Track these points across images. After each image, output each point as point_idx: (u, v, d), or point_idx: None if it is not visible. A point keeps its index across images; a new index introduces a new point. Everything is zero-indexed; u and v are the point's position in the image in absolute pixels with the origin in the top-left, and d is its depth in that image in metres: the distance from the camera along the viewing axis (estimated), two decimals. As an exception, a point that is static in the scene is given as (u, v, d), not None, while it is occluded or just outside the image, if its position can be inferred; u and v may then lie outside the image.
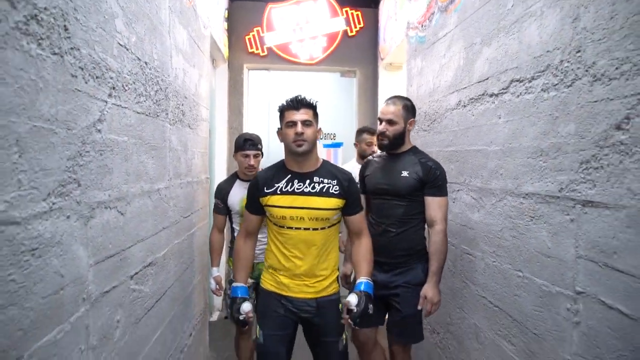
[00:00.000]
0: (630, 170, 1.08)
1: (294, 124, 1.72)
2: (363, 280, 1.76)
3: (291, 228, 1.78)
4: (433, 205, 1.96)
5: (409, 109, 2.05)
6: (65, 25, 0.99)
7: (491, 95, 1.81)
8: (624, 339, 1.10)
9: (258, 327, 1.84)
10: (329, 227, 1.81)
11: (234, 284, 1.87)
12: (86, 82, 1.10)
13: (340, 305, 1.83)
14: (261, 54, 4.13)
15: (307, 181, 1.77)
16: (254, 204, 1.85)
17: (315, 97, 1.84)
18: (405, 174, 1.98)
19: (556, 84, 1.38)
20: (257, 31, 4.12)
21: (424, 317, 2.00)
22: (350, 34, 4.18)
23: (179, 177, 2.09)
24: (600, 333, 1.18)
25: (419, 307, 1.93)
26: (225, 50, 3.86)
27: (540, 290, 1.46)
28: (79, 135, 1.07)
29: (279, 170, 1.83)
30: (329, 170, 1.83)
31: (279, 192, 1.77)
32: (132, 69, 1.42)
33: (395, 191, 1.99)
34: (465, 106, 2.08)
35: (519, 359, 1.59)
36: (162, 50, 1.75)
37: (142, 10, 1.51)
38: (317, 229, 1.77)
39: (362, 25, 4.18)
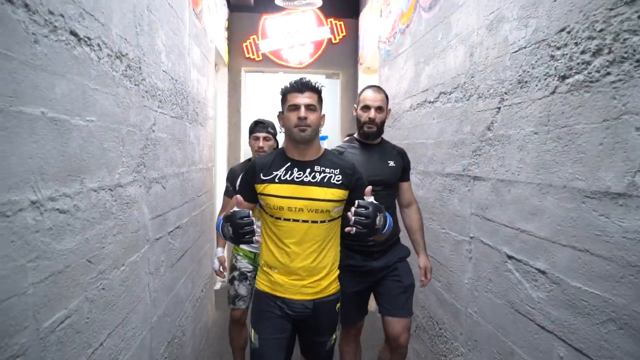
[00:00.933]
0: (493, 156, 1.72)
1: (296, 107, 1.58)
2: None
3: (288, 220, 1.60)
4: (408, 188, 2.13)
5: (388, 97, 2.10)
6: (140, 67, 1.60)
7: (429, 102, 2.45)
8: (489, 262, 1.75)
9: (253, 330, 1.69)
10: (329, 220, 1.63)
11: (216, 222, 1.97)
12: (148, 100, 1.71)
13: (338, 305, 1.73)
14: (257, 59, 4.73)
15: (308, 170, 1.61)
16: (248, 191, 1.65)
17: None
18: (392, 163, 2.03)
19: (461, 98, 2.01)
20: (253, 39, 4.72)
21: (421, 286, 2.12)
22: (334, 41, 4.79)
23: (194, 164, 2.70)
24: (481, 261, 1.83)
25: (422, 278, 2.06)
26: (225, 55, 4.45)
27: (454, 240, 2.12)
28: (145, 135, 1.69)
29: (278, 157, 1.67)
30: (330, 159, 1.67)
31: (277, 180, 1.61)
32: (169, 86, 2.03)
33: (386, 182, 2.00)
34: (414, 109, 2.71)
35: (443, 290, 2.25)
36: (184, 69, 2.36)
37: (174, 43, 2.12)
38: (316, 222, 1.60)
39: (344, 33, 4.79)
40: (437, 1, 2.35)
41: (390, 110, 2.11)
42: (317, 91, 1.64)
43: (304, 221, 1.59)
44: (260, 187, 1.62)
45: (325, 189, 1.60)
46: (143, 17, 1.64)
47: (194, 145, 2.66)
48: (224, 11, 4.31)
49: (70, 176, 1.08)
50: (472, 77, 1.91)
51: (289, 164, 1.63)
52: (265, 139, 2.45)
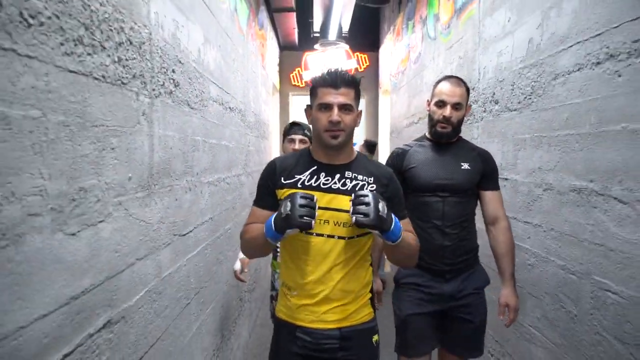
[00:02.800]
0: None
1: (328, 107, 1.29)
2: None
3: (310, 234, 1.32)
4: (494, 199, 1.74)
5: (469, 92, 1.77)
6: (244, 113, 3.06)
7: (414, 123, 3.79)
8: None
9: None
10: (358, 236, 1.34)
11: (264, 226, 1.29)
12: (247, 130, 3.16)
13: (376, 337, 1.43)
14: (300, 85, 6.18)
15: (337, 176, 1.35)
16: (267, 196, 1.40)
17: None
18: (466, 166, 1.70)
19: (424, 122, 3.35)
20: (298, 71, 6.18)
21: (505, 326, 1.76)
22: (360, 70, 6.17)
23: (254, 166, 4.16)
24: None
25: (500, 317, 1.73)
26: (277, 83, 5.92)
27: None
28: (246, 149, 3.14)
29: (302, 158, 1.41)
30: (364, 165, 1.41)
31: (299, 185, 1.34)
32: (254, 119, 3.48)
33: (456, 187, 1.69)
34: (408, 127, 4.05)
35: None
36: (259, 105, 3.82)
37: (255, 93, 3.58)
38: (343, 238, 1.32)
39: (368, 64, 6.16)
40: (418, 59, 3.70)
41: (470, 106, 1.77)
42: (354, 85, 1.32)
43: (328, 236, 1.31)
44: (280, 193, 1.35)
45: None
46: (246, 87, 3.10)
47: (264, 153, 4.12)
48: (277, 50, 5.79)
49: (228, 169, 2.53)
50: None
51: (315, 167, 1.36)
52: (301, 141, 2.24)
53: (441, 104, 1.71)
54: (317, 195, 1.28)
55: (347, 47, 5.50)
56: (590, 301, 1.46)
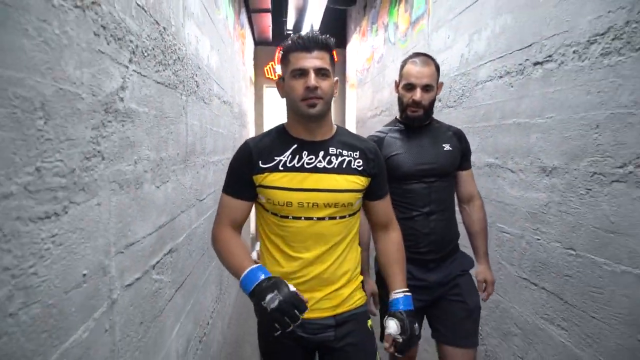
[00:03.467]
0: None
1: (303, 73, 1.16)
2: (399, 295, 1.31)
3: (298, 218, 1.22)
4: (469, 178, 1.74)
5: (439, 69, 1.67)
6: (232, 104, 3.54)
7: (378, 115, 4.37)
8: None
9: None
10: (349, 215, 1.27)
11: (244, 274, 1.11)
12: (235, 119, 3.64)
13: (370, 322, 1.36)
14: (273, 78, 6.64)
15: (321, 153, 1.23)
16: (241, 184, 1.26)
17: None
18: (447, 147, 1.65)
19: (387, 115, 3.92)
20: (271, 64, 6.63)
21: (483, 300, 1.73)
22: (328, 64, 6.69)
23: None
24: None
25: (482, 294, 1.70)
26: (253, 76, 6.36)
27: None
28: (234, 136, 3.61)
29: (279, 137, 1.27)
30: (347, 139, 1.30)
31: (281, 167, 1.21)
32: (238, 110, 3.95)
33: (441, 170, 1.63)
34: (372, 118, 4.64)
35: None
36: (240, 97, 4.28)
37: (239, 86, 4.04)
38: (334, 218, 1.24)
39: (336, 59, 6.65)
40: (380, 59, 4.27)
41: (442, 84, 1.67)
42: (329, 49, 1.20)
43: (319, 219, 1.22)
44: (259, 178, 1.23)
45: (346, 176, 1.23)
46: (232, 82, 3.57)
47: (243, 140, 4.60)
48: (252, 46, 6.22)
49: (222, 152, 3.01)
50: (391, 105, 3.82)
51: (295, 145, 1.23)
52: None
53: (410, 86, 1.61)
54: (302, 176, 1.20)
55: (317, 44, 6.02)
56: (495, 241, 2.08)
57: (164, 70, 1.41)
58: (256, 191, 1.26)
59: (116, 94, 1.01)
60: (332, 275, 1.27)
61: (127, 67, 1.08)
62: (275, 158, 1.23)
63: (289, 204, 1.22)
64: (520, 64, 1.84)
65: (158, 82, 1.35)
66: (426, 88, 1.59)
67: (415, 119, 1.64)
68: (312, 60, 1.16)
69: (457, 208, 1.75)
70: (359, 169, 1.27)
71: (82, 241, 0.85)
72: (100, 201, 0.93)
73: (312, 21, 5.57)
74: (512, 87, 1.90)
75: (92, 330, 0.89)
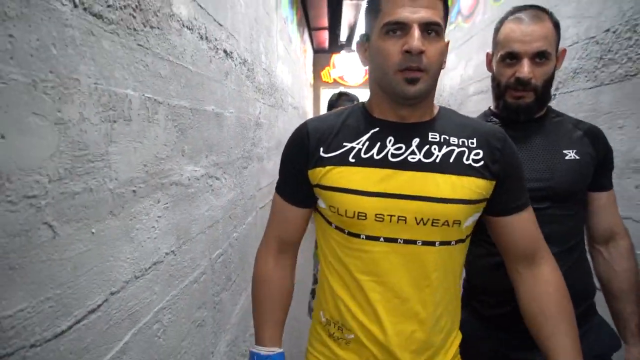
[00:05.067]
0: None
1: (403, 28, 0.74)
2: None
3: (375, 239, 0.79)
4: (608, 204, 1.08)
5: (559, 28, 1.05)
6: (299, 108, 4.72)
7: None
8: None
9: None
10: (456, 242, 0.81)
11: (253, 349, 0.87)
12: (300, 119, 4.82)
13: None
14: (329, 82, 7.79)
15: (416, 140, 0.79)
16: (295, 182, 0.86)
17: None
18: (572, 154, 1.03)
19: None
20: (327, 69, 7.78)
21: None
22: (376, 68, 7.73)
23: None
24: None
25: None
26: (312, 80, 7.55)
27: None
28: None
29: (353, 116, 0.85)
30: (457, 120, 0.84)
31: (352, 159, 0.80)
32: (302, 112, 5.12)
33: (559, 190, 1.02)
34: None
35: None
36: (303, 99, 5.46)
37: (303, 90, 5.22)
38: (432, 244, 0.78)
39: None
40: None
41: (565, 51, 1.07)
42: None
43: (407, 242, 0.78)
44: (318, 174, 0.82)
45: (455, 176, 0.77)
46: (300, 89, 4.74)
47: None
48: (311, 55, 7.39)
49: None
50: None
51: (376, 129, 0.81)
52: None
53: (511, 57, 1.03)
54: (383, 173, 0.77)
55: (366, 52, 7.13)
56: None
57: (269, 98, 2.59)
58: (314, 192, 0.84)
59: (258, 116, 2.19)
60: (424, 333, 0.80)
61: (260, 101, 2.26)
62: (345, 145, 0.80)
63: (361, 216, 0.77)
64: (487, 87, 2.83)
65: (269, 106, 2.53)
66: (539, 57, 1.00)
67: (521, 108, 1.04)
68: (418, 11, 0.72)
69: (588, 251, 1.14)
70: (477, 165, 0.78)
71: (254, 182, 2.04)
72: (253, 165, 2.11)
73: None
74: (484, 100, 2.91)
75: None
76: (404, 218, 0.76)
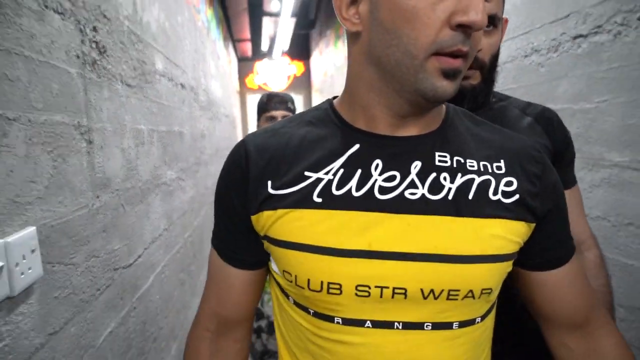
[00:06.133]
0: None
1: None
2: None
3: (361, 324, 0.52)
4: (573, 204, 0.81)
5: None
6: (233, 120, 5.21)
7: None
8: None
9: None
10: (482, 317, 0.55)
11: None
12: (233, 127, 5.31)
13: None
14: (254, 88, 8.30)
15: (416, 165, 0.53)
16: (233, 232, 0.60)
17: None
18: None
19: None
20: (251, 76, 8.28)
21: None
22: (297, 74, 8.36)
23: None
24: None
25: None
26: (238, 87, 8.01)
27: None
28: (233, 139, 5.30)
29: (319, 126, 0.58)
30: (473, 130, 0.58)
31: (317, 198, 0.53)
32: (231, 118, 5.61)
33: None
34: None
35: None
36: (231, 107, 5.94)
37: (230, 98, 5.71)
38: (449, 327, 0.52)
39: (303, 70, 8.37)
40: (338, 69, 5.97)
41: (507, 21, 0.83)
42: None
43: (410, 326, 0.52)
44: (265, 220, 0.56)
45: (478, 221, 0.52)
46: (229, 99, 5.23)
47: (237, 138, 6.27)
48: (236, 63, 7.85)
49: (184, 158, 4.71)
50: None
51: (356, 147, 0.55)
52: (284, 116, 1.60)
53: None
54: (366, 218, 0.51)
55: (287, 59, 7.72)
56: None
57: (208, 112, 3.10)
58: (263, 247, 0.58)
59: (202, 129, 2.71)
60: None
61: (203, 117, 2.77)
62: (308, 175, 0.54)
63: (333, 289, 0.51)
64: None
65: (209, 119, 3.05)
66: (488, 23, 0.77)
67: (467, 92, 0.79)
68: None
69: None
70: (510, 201, 0.53)
71: (204, 183, 2.55)
72: (202, 169, 2.62)
73: (282, 44, 7.21)
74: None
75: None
76: (402, 291, 0.50)
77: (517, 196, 0.53)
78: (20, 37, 0.70)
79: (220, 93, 4.18)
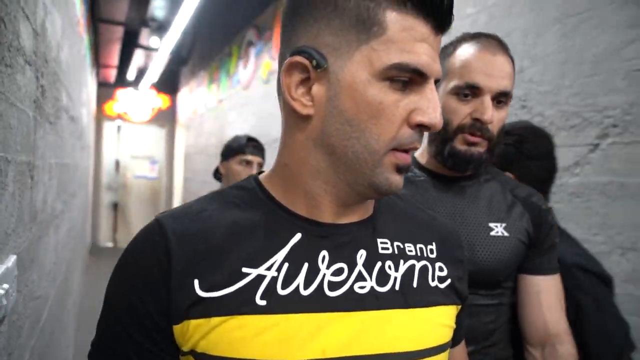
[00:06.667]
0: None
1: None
2: None
3: None
4: (548, 294, 0.85)
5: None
6: (82, 136, 4.91)
7: (199, 153, 6.15)
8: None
9: None
10: None
11: None
12: (83, 149, 4.99)
13: None
14: (112, 116, 7.86)
15: (361, 255, 0.51)
16: (134, 348, 0.46)
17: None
18: (498, 229, 0.84)
19: (207, 153, 5.78)
20: (110, 103, 7.85)
21: None
22: (163, 107, 8.21)
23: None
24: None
25: None
26: (94, 112, 7.48)
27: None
28: (87, 169, 4.96)
29: (253, 210, 0.51)
30: (402, 208, 0.60)
31: (260, 300, 0.46)
32: (87, 142, 5.28)
33: (479, 275, 0.79)
34: (196, 154, 6.39)
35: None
36: (89, 132, 5.59)
37: (90, 123, 5.38)
38: None
39: (169, 103, 8.27)
40: (210, 109, 6.09)
41: (511, 97, 0.84)
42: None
43: None
44: (192, 331, 0.45)
45: (424, 311, 0.53)
46: (88, 122, 4.94)
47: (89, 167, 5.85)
48: (95, 86, 7.38)
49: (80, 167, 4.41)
50: (206, 147, 5.66)
51: (297, 237, 0.49)
52: (260, 165, 1.57)
53: (472, 91, 0.80)
54: (317, 322, 0.47)
55: (154, 91, 7.58)
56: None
57: (80, 141, 2.99)
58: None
59: (78, 161, 2.63)
60: None
61: (76, 146, 2.69)
62: (246, 271, 0.47)
63: None
64: None
65: (81, 148, 2.94)
66: (501, 98, 0.81)
67: (474, 159, 0.82)
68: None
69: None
70: (443, 286, 0.55)
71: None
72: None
73: (152, 77, 7.08)
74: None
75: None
76: None
77: (449, 281, 0.55)
78: (16, 90, 0.79)
79: (86, 120, 3.99)
